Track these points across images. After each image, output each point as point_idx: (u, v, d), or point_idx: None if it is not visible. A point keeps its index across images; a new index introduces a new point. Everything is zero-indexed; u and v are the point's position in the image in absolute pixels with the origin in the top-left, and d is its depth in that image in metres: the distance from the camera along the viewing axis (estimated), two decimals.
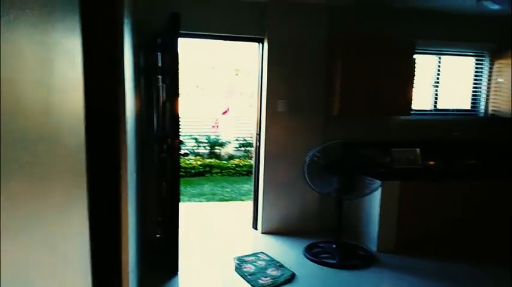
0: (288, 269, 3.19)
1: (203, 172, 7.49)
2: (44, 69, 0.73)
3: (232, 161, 7.90)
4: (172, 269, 3.14)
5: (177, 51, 2.81)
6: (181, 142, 3.04)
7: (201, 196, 6.07)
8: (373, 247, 3.64)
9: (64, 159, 0.90)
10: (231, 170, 7.59)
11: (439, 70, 4.40)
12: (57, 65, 0.81)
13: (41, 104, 0.72)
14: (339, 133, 3.81)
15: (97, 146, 1.53)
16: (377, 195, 3.51)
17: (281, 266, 3.25)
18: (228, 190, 6.54)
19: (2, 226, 0.55)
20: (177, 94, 2.93)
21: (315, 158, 3.38)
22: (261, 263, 3.29)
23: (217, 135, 8.30)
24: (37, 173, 0.71)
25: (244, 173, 7.56)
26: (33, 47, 0.68)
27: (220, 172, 7.56)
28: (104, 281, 1.78)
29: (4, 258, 0.56)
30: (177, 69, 2.87)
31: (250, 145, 8.20)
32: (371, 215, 3.66)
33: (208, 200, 5.89)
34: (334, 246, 3.48)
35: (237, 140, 8.35)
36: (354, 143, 3.71)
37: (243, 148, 8.30)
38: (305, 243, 3.71)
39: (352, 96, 3.68)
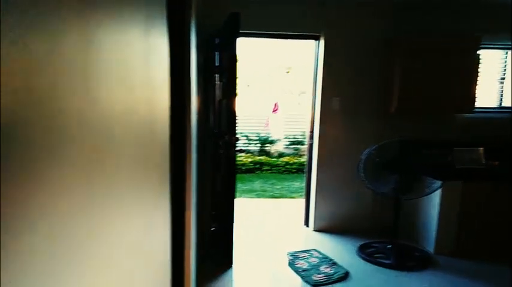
0: (342, 267, 3.17)
1: (253, 169, 7.61)
2: (146, 68, 0.81)
3: (282, 158, 7.95)
4: (226, 261, 3.23)
5: (235, 51, 2.89)
6: (237, 139, 3.12)
7: (251, 192, 6.17)
8: (430, 248, 3.52)
9: (157, 152, 0.99)
10: (280, 168, 7.64)
11: (505, 65, 4.14)
12: (153, 64, 0.89)
13: (145, 102, 0.80)
14: (395, 131, 3.72)
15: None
16: (436, 195, 3.39)
17: (334, 264, 3.24)
18: (278, 187, 6.59)
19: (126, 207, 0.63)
20: (234, 93, 3.00)
21: (372, 157, 3.32)
22: (314, 260, 3.30)
23: (268, 133, 8.39)
24: (144, 164, 0.80)
25: (294, 171, 7.58)
26: (140, 46, 0.75)
27: (270, 169, 7.63)
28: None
29: (128, 225, 0.65)
30: (235, 68, 2.94)
31: (300, 142, 8.21)
32: (429, 215, 3.54)
33: (258, 196, 5.98)
34: (389, 246, 3.41)
35: (286, 138, 8.39)
36: (412, 141, 3.60)
37: (293, 146, 8.32)
38: (357, 242, 3.67)
39: (412, 94, 3.57)
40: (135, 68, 0.68)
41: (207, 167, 3.67)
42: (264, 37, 3.83)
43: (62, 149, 0.42)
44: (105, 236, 0.57)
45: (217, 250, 3.40)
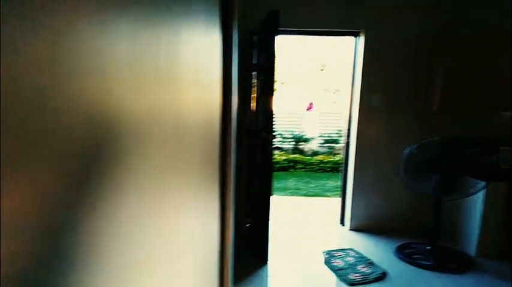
0: (379, 267, 3.13)
1: (287, 167, 7.62)
2: (207, 67, 0.85)
3: (316, 157, 7.91)
4: (261, 258, 3.26)
5: (274, 48, 2.91)
6: (274, 137, 3.14)
7: (285, 190, 6.18)
8: (471, 250, 3.40)
9: (211, 151, 1.03)
10: (314, 166, 7.60)
11: None
12: (213, 62, 0.93)
13: (206, 100, 0.84)
14: (436, 130, 3.61)
15: None
16: (479, 195, 3.27)
17: (371, 263, 3.20)
18: (312, 185, 6.56)
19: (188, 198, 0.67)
20: (271, 91, 3.03)
21: (412, 156, 3.25)
22: (350, 259, 3.28)
23: (302, 131, 8.38)
24: (202, 165, 0.84)
25: (328, 169, 7.52)
26: (204, 45, 0.79)
27: (304, 167, 7.60)
28: None
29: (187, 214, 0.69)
30: (273, 66, 2.97)
31: (334, 141, 8.13)
32: (471, 217, 3.42)
33: (292, 194, 5.98)
34: (428, 247, 3.33)
35: (321, 136, 8.34)
36: (455, 140, 3.48)
37: (327, 144, 8.25)
38: (395, 242, 3.60)
39: (455, 91, 3.46)
40: (202, 67, 0.72)
41: (244, 164, 3.72)
42: (303, 34, 3.81)
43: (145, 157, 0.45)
44: (179, 230, 0.61)
45: (252, 246, 3.44)
